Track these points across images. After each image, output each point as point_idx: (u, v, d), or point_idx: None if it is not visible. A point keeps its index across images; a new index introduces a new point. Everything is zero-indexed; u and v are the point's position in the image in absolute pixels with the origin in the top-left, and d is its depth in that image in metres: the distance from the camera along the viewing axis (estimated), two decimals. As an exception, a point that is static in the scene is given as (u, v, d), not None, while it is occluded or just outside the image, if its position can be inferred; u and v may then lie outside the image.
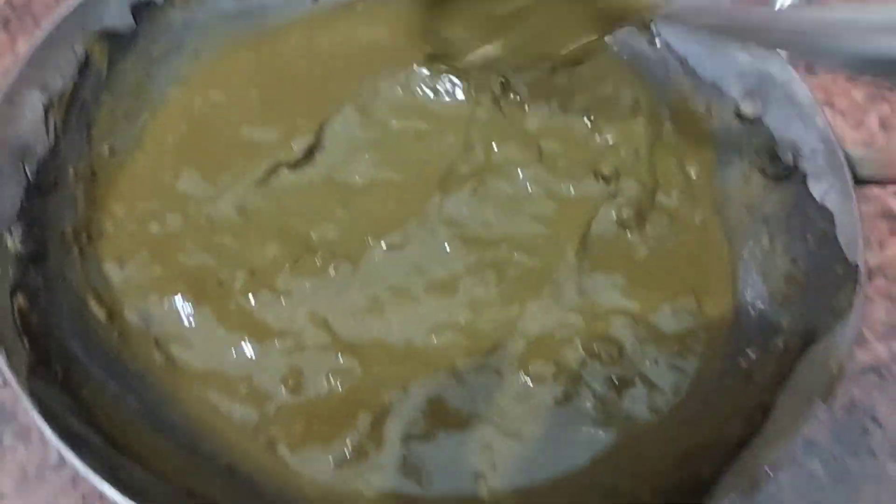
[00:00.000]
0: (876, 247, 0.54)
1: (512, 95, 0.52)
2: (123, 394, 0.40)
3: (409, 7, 0.53)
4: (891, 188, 0.56)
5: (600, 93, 0.52)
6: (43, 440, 0.42)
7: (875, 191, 0.55)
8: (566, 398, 0.43)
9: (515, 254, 0.47)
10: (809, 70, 0.60)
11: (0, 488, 0.43)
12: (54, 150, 0.44)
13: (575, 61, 0.50)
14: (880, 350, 0.51)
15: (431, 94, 0.52)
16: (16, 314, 0.38)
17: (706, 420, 0.42)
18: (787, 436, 0.37)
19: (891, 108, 0.59)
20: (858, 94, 0.60)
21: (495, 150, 0.50)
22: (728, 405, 0.42)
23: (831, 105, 0.60)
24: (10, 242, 0.40)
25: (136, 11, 0.49)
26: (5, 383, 0.35)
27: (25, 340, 0.38)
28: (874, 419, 0.48)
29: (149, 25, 0.50)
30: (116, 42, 0.48)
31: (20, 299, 0.39)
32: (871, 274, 0.53)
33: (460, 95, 0.52)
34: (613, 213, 0.48)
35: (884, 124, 0.59)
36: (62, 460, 0.39)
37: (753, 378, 0.43)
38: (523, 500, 0.40)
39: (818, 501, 0.46)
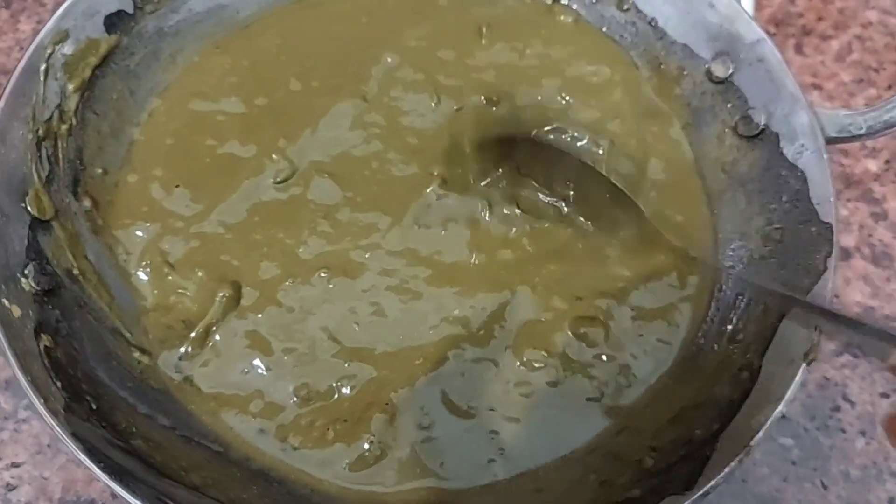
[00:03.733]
0: (856, 228, 0.55)
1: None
2: (154, 413, 0.42)
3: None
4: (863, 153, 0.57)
5: (574, 72, 0.53)
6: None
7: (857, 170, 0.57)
8: (559, 381, 0.45)
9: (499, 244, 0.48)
10: (798, 50, 0.61)
11: (16, 458, 0.47)
12: (50, 179, 0.45)
13: None
14: (855, 330, 0.54)
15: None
16: (43, 355, 0.39)
17: (695, 382, 0.45)
18: (776, 399, 0.39)
19: (877, 92, 0.60)
20: (846, 76, 0.61)
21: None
22: (715, 368, 0.45)
23: (819, 88, 0.61)
24: (25, 283, 0.41)
25: (109, 23, 0.49)
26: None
27: (57, 381, 0.39)
28: (845, 397, 0.51)
29: (123, 36, 0.49)
30: (93, 59, 0.48)
31: (45, 339, 0.40)
32: (847, 255, 0.55)
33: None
34: None
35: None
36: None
37: (737, 340, 0.45)
38: (536, 478, 0.43)
39: (789, 474, 0.48)
